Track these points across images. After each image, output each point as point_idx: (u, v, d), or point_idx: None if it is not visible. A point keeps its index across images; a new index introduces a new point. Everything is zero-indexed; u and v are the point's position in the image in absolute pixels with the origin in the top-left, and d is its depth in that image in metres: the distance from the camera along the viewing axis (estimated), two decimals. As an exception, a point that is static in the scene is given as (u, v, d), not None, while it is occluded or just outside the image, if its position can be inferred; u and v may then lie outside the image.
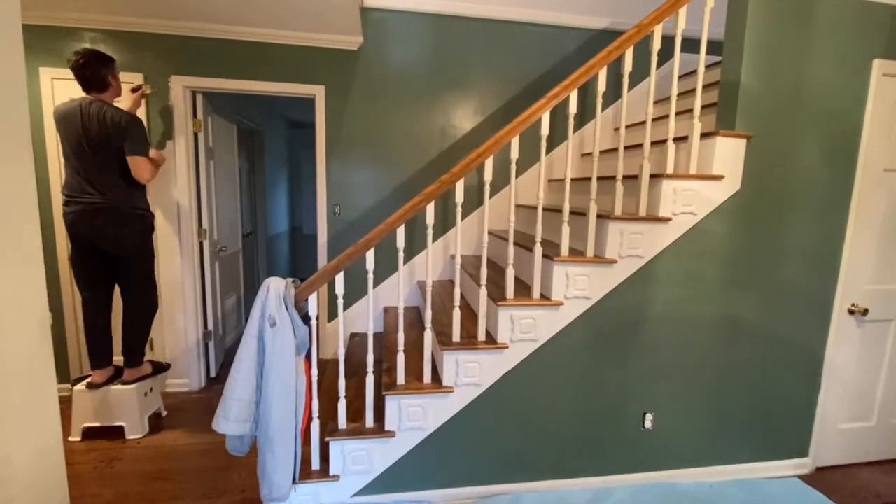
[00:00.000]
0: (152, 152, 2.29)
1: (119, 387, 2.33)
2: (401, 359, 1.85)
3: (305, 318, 1.72)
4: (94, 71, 2.13)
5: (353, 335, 3.01)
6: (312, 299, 1.73)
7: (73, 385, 2.33)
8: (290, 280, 1.71)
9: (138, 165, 2.16)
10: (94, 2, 2.32)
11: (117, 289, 2.35)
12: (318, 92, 2.80)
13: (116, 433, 2.35)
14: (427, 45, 2.86)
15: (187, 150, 2.72)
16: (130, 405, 2.34)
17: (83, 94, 2.16)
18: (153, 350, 2.81)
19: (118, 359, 2.39)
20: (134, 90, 2.45)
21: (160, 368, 2.57)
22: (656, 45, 1.85)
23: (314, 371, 1.77)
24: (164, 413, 2.60)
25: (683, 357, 2.08)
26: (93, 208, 2.12)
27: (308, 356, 1.76)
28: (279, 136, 5.22)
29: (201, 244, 2.90)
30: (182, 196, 2.74)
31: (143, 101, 2.55)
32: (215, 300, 3.06)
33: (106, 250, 2.20)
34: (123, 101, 2.37)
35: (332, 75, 2.80)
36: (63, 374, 2.67)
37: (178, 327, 2.85)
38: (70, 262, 2.26)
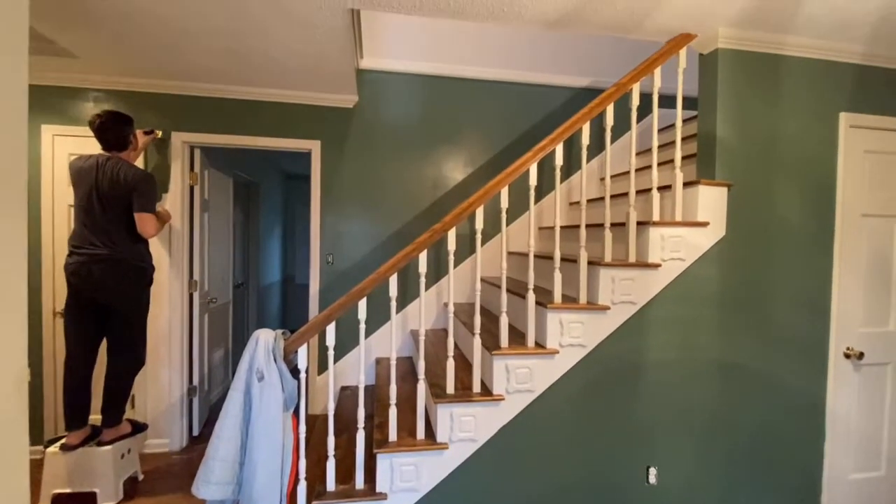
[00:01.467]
0: (159, 208, 2.33)
1: (94, 448, 2.20)
2: (393, 413, 1.78)
3: (294, 372, 1.68)
4: (116, 132, 2.22)
5: (343, 388, 2.91)
6: (302, 351, 1.69)
7: (45, 447, 2.19)
8: (279, 332, 1.68)
9: (144, 222, 2.19)
10: (98, 64, 2.42)
11: (103, 346, 2.29)
12: (314, 146, 2.89)
13: (88, 500, 2.18)
14: (419, 103, 3.00)
15: (182, 202, 2.76)
16: (105, 468, 2.20)
17: (100, 151, 2.22)
18: (134, 408, 2.68)
19: (94, 417, 2.27)
20: (147, 133, 2.53)
21: (139, 428, 2.45)
22: (635, 101, 1.97)
23: (302, 428, 1.70)
24: (141, 477, 2.44)
25: (684, 406, 2.02)
26: (95, 259, 2.12)
27: (296, 412, 1.69)
28: (275, 188, 5.32)
29: (191, 296, 2.86)
30: (175, 248, 2.74)
31: (148, 145, 2.63)
32: (202, 354, 2.97)
33: (102, 302, 2.17)
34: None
35: (329, 130, 2.90)
36: (37, 435, 2.52)
37: (162, 383, 2.74)
38: (63, 314, 2.23)
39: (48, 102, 2.59)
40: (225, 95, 2.76)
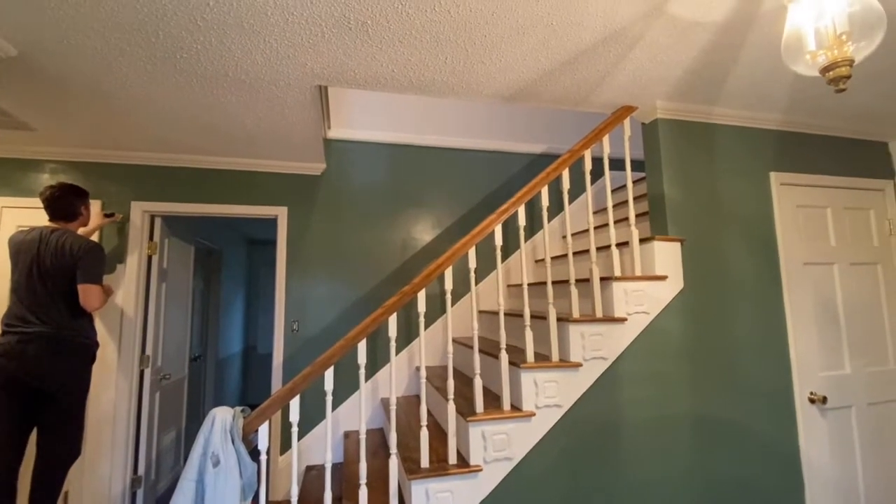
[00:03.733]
0: (104, 281, 2.21)
1: (12, 562, 1.88)
2: (363, 494, 1.64)
3: (254, 453, 1.54)
4: (67, 203, 2.15)
5: (308, 468, 2.68)
6: (263, 430, 1.57)
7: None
8: (238, 409, 1.56)
9: (89, 293, 2.05)
10: (57, 136, 2.39)
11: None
12: (280, 212, 2.89)
13: None
14: (386, 170, 3.10)
15: (138, 273, 2.64)
16: (23, 587, 1.88)
17: (46, 223, 2.13)
18: (65, 507, 2.36)
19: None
20: (107, 215, 2.46)
21: (70, 532, 2.14)
22: (588, 166, 2.11)
23: (262, 518, 1.53)
24: None
25: (667, 464, 1.98)
26: (30, 337, 1.95)
27: (255, 500, 1.53)
28: (238, 254, 5.20)
29: (142, 373, 2.65)
30: (127, 321, 2.58)
31: (105, 226, 2.58)
32: (151, 438, 2.70)
33: (35, 385, 1.96)
34: (91, 221, 2.37)
35: (296, 197, 2.92)
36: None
37: (101, 474, 2.44)
38: None
39: (0, 174, 2.50)
40: (189, 164, 2.75)
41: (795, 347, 2.21)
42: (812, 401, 2.20)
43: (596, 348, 1.93)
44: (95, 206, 2.48)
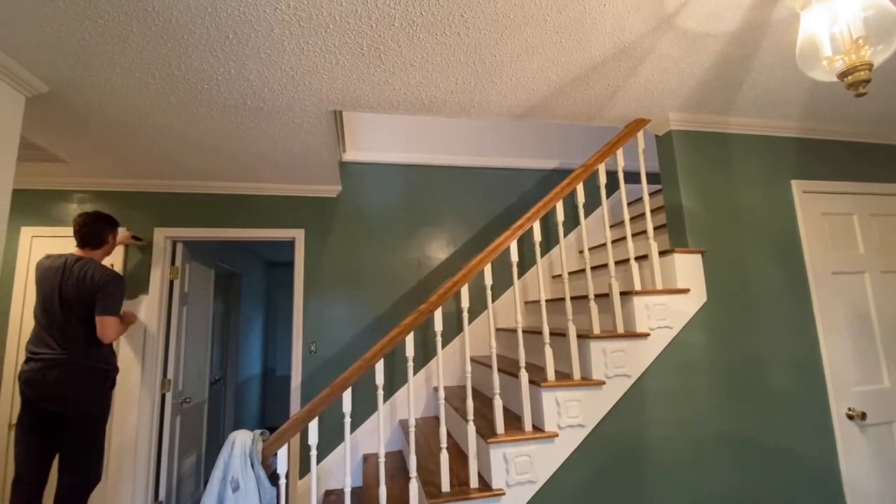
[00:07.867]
0: (126, 309, 2.26)
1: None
2: (383, 519, 1.61)
3: (273, 477, 1.53)
4: (98, 229, 2.22)
5: (328, 493, 2.65)
6: (282, 453, 1.56)
7: None
8: (258, 432, 1.56)
9: (106, 325, 2.09)
10: (87, 167, 2.49)
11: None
12: (297, 235, 2.93)
13: None
14: (400, 190, 3.14)
15: (161, 298, 2.69)
16: None
17: (73, 250, 2.19)
18: (88, 534, 2.36)
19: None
20: (134, 237, 2.54)
21: (92, 559, 2.13)
22: (602, 180, 2.09)
23: (281, 545, 1.51)
24: None
25: (698, 487, 1.89)
26: (50, 364, 1.99)
27: (275, 526, 1.51)
28: (256, 276, 5.28)
29: (163, 397, 2.68)
30: (149, 345, 2.62)
31: (127, 244, 2.65)
32: (171, 463, 2.71)
33: (57, 411, 2.00)
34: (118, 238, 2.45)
35: (312, 219, 2.97)
36: (-34, 579, 2.17)
37: (123, 500, 2.45)
38: (15, 427, 2.03)
39: (31, 205, 2.61)
40: (209, 191, 2.83)
41: (829, 361, 2.12)
42: (850, 417, 2.09)
43: (619, 365, 1.87)
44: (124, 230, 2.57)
